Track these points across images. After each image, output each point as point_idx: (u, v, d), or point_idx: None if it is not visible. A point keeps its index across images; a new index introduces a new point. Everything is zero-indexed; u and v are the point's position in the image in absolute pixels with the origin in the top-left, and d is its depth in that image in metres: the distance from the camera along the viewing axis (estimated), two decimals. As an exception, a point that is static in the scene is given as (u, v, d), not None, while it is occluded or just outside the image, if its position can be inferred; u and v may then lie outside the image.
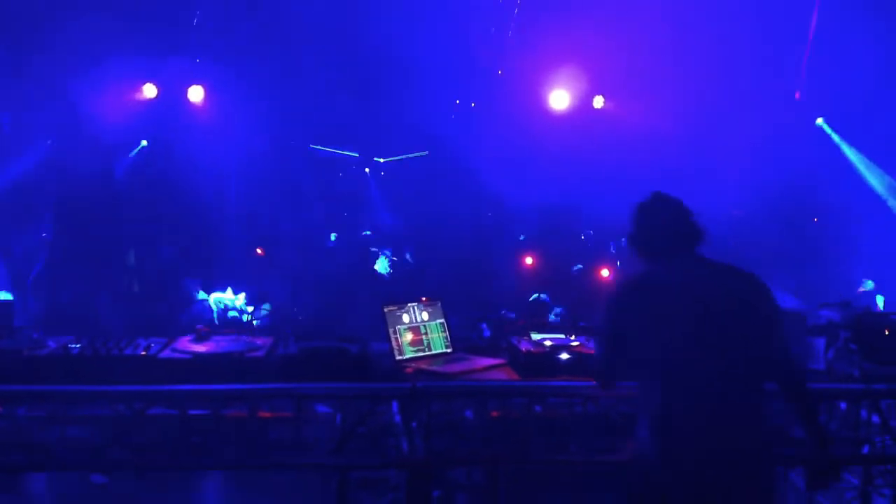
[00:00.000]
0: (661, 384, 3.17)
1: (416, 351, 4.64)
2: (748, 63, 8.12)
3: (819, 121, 9.12)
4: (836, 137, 9.10)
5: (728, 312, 3.21)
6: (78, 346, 4.18)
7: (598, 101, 8.95)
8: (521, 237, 9.60)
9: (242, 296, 7.84)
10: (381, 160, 11.08)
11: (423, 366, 4.48)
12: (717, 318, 3.19)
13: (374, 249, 8.97)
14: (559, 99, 8.80)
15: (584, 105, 8.89)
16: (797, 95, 8.46)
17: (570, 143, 8.77)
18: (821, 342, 4.55)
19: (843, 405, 4.35)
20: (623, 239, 8.11)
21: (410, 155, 10.08)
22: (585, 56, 8.31)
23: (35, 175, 7.96)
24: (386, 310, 4.64)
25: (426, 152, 9.73)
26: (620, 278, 3.35)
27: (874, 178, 9.07)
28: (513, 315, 7.28)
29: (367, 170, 12.74)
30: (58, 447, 3.88)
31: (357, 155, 12.50)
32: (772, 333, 3.25)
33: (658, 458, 3.13)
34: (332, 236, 10.28)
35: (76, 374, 3.95)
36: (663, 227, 3.39)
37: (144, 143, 9.18)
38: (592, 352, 4.40)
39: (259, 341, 4.46)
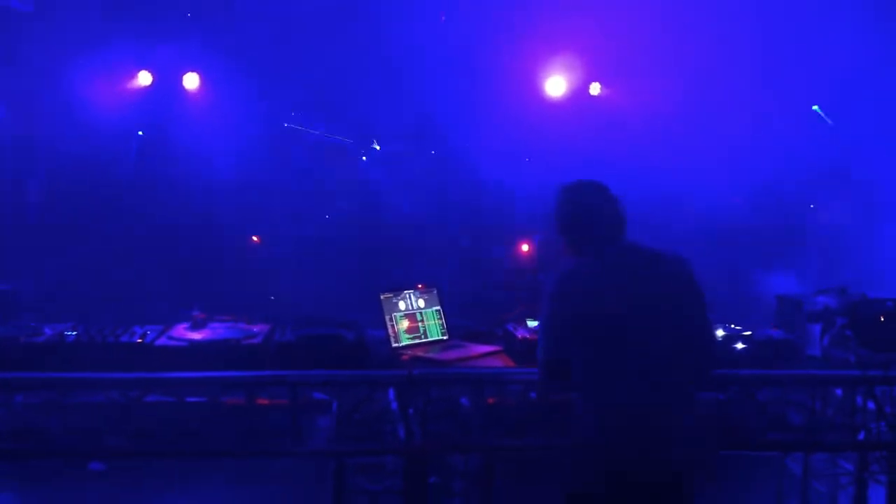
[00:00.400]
0: (599, 373, 3.17)
1: (412, 338, 4.65)
2: (749, 49, 8.10)
3: (815, 107, 9.12)
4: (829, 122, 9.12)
5: (660, 298, 3.21)
6: (74, 333, 4.18)
7: (595, 88, 8.92)
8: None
9: None
10: (378, 147, 11.06)
11: (420, 353, 4.49)
12: (650, 305, 3.19)
13: None
14: (556, 85, 8.77)
15: (580, 92, 8.87)
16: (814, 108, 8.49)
17: (567, 131, 8.75)
18: (817, 328, 4.56)
19: (838, 391, 4.36)
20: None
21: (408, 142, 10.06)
22: (582, 42, 8.29)
23: (28, 163, 7.94)
24: (382, 297, 4.64)
25: (425, 140, 9.71)
26: (555, 269, 3.30)
27: None
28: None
29: (363, 157, 12.72)
30: (55, 434, 3.88)
31: (352, 141, 12.50)
32: (695, 316, 3.27)
33: (600, 443, 3.16)
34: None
35: (72, 361, 3.96)
36: (594, 216, 3.36)
37: (140, 132, 9.14)
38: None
39: (255, 328, 4.47)
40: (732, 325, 4.56)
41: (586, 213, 3.37)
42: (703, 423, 3.33)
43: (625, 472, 3.12)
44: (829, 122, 8.88)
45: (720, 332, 4.45)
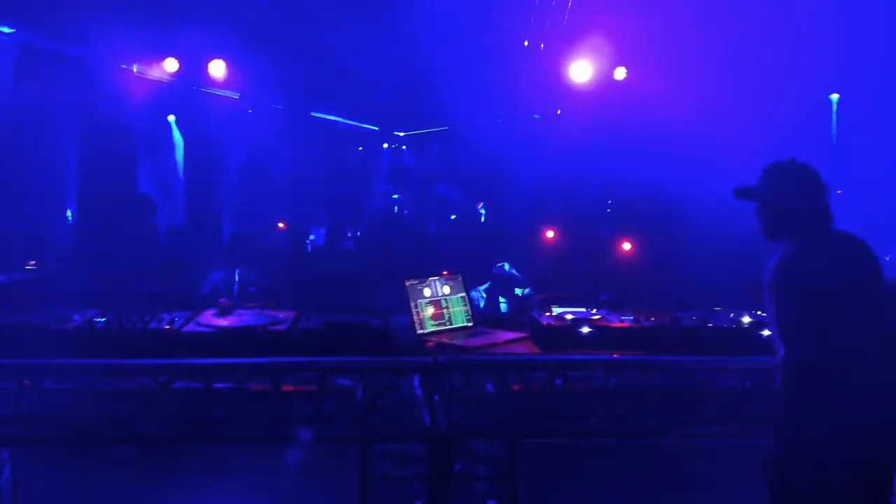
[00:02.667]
0: (825, 362, 3.18)
1: (437, 325, 4.66)
2: (776, 31, 7.99)
3: (834, 96, 8.99)
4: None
5: (869, 284, 3.30)
6: (103, 320, 4.23)
7: (620, 73, 8.84)
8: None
9: None
10: (402, 134, 11.06)
11: (445, 339, 4.49)
12: (864, 290, 3.27)
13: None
14: (581, 70, 8.70)
15: (605, 77, 8.79)
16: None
17: (592, 116, 8.70)
18: None
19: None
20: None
21: (431, 130, 10.06)
22: (608, 26, 8.22)
23: (58, 153, 8.00)
24: (407, 283, 4.65)
25: (446, 127, 9.70)
26: (776, 260, 3.29)
27: None
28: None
29: (385, 145, 12.72)
30: (83, 420, 3.93)
31: (377, 128, 12.49)
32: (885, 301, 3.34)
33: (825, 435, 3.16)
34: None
35: (101, 347, 4.01)
36: (809, 203, 3.39)
37: (172, 117, 9.18)
38: (615, 325, 4.40)
39: (281, 315, 4.50)
40: (759, 312, 4.52)
41: (804, 199, 3.40)
42: None
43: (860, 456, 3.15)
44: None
45: (746, 319, 4.42)
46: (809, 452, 3.20)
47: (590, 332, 4.32)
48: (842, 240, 3.40)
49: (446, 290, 4.76)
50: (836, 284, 3.23)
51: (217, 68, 8.45)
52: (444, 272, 4.83)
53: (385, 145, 13.09)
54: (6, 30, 7.17)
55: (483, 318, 4.96)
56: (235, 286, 6.50)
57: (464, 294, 4.83)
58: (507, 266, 7.15)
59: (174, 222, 8.46)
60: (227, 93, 8.65)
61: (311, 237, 8.96)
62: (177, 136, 8.95)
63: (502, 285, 7.00)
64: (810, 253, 3.33)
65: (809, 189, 3.41)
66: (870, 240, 3.42)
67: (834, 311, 3.20)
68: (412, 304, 4.60)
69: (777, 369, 3.29)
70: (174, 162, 9.01)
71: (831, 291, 3.22)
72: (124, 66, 8.02)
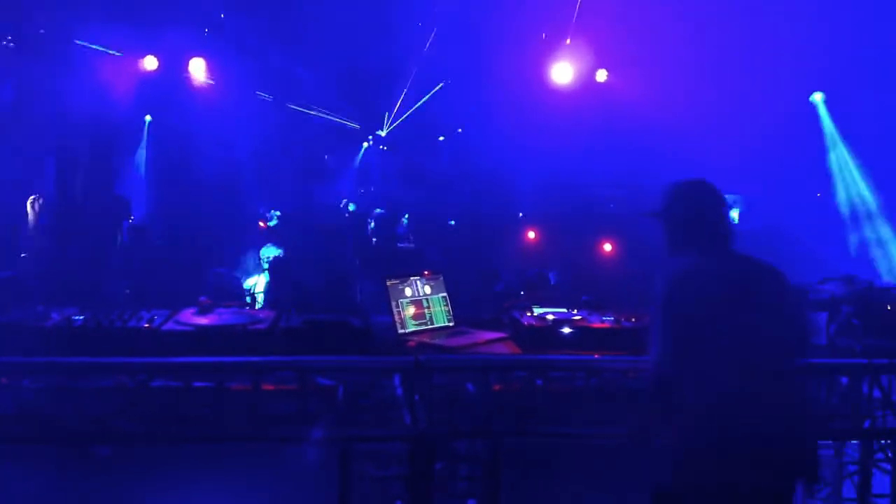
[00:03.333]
0: (707, 378, 3.15)
1: (418, 324, 4.65)
2: (759, 37, 8.05)
3: (818, 97, 9.06)
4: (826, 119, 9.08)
5: (762, 305, 3.24)
6: (81, 318, 4.19)
7: (602, 75, 8.87)
8: (520, 214, 9.57)
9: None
10: (384, 133, 11.04)
11: (426, 339, 4.49)
12: (755, 311, 3.21)
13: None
14: (562, 72, 8.72)
15: (587, 79, 8.82)
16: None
17: (573, 118, 8.72)
18: (823, 316, 4.56)
19: (844, 380, 4.35)
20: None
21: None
22: (589, 28, 8.25)
23: (37, 148, 7.93)
24: (388, 283, 4.64)
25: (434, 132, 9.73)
26: (661, 273, 3.28)
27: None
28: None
29: (366, 142, 12.67)
30: (61, 419, 3.89)
31: (358, 126, 12.46)
32: (796, 322, 3.33)
33: (699, 448, 3.13)
34: (351, 206, 10.24)
35: (80, 345, 3.97)
36: (705, 219, 3.38)
37: (149, 117, 9.12)
38: (596, 325, 4.42)
39: (261, 314, 4.48)
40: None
41: (701, 215, 3.38)
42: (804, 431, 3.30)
43: (730, 477, 3.10)
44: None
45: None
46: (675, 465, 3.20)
47: (571, 332, 4.33)
48: (736, 261, 3.35)
49: (427, 289, 4.76)
50: (713, 305, 3.19)
51: (197, 66, 8.40)
52: (426, 272, 4.83)
53: (365, 144, 13.07)
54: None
55: (463, 318, 4.95)
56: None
57: (445, 294, 4.83)
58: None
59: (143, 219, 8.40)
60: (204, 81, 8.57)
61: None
62: (147, 134, 8.92)
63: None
64: (695, 271, 3.30)
65: (705, 206, 3.40)
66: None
67: (705, 331, 3.16)
68: (393, 304, 4.60)
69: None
70: (146, 159, 8.97)
71: (705, 311, 3.18)
72: (104, 60, 7.95)
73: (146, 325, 4.13)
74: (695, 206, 3.41)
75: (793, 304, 3.34)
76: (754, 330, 3.19)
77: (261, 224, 9.26)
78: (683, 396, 3.18)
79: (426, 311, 4.71)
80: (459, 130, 9.63)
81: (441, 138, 10.55)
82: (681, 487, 3.17)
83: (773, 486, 3.15)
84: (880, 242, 8.86)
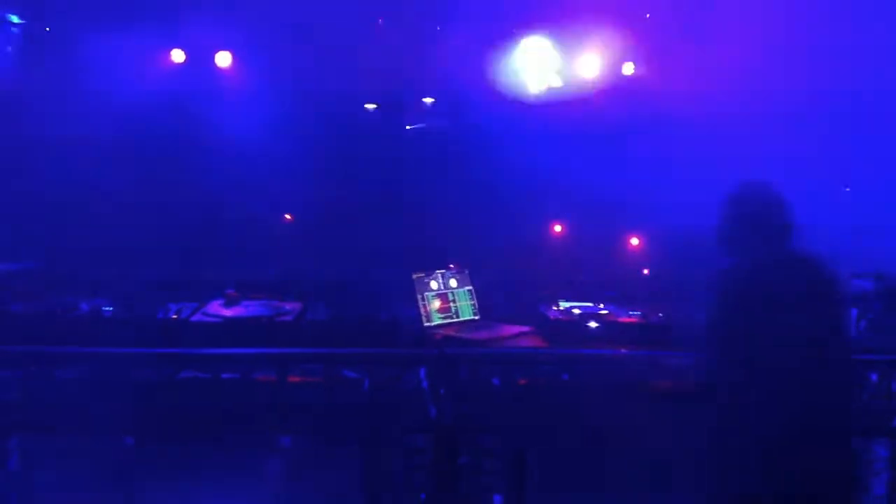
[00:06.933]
0: (765, 382, 3.14)
1: (443, 318, 4.66)
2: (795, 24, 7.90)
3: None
4: None
5: (816, 305, 3.22)
6: (111, 308, 4.23)
7: (628, 68, 8.78)
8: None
9: None
10: (408, 127, 11.04)
11: (451, 332, 4.49)
12: (809, 311, 3.19)
13: None
14: (589, 65, 8.63)
15: (614, 72, 8.73)
16: None
17: (600, 112, 8.66)
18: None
19: (874, 376, 4.31)
20: None
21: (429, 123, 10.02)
22: (618, 19, 8.17)
23: (60, 142, 7.99)
24: (414, 276, 4.65)
25: (447, 123, 9.67)
26: (715, 274, 3.29)
27: None
28: None
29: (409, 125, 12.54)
30: (90, 408, 3.93)
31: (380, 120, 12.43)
32: (842, 321, 3.30)
33: (760, 456, 3.11)
34: None
35: (108, 336, 4.01)
36: (757, 219, 3.37)
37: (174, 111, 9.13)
38: (623, 320, 4.40)
39: (288, 306, 4.50)
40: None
41: (758, 214, 3.38)
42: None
43: (786, 481, 3.10)
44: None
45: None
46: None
47: (597, 326, 4.32)
48: (793, 260, 3.33)
49: (453, 283, 4.76)
50: (768, 303, 3.18)
51: (223, 59, 8.42)
52: (451, 265, 4.83)
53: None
54: (15, 19, 7.17)
55: (489, 311, 4.95)
56: None
57: (470, 287, 4.83)
58: None
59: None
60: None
61: None
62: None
63: None
64: (751, 270, 3.30)
65: (761, 205, 3.39)
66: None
67: (760, 330, 3.15)
68: (419, 297, 4.60)
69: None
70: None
71: (760, 310, 3.17)
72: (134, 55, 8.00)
73: (174, 317, 4.16)
74: (751, 207, 3.40)
75: (844, 303, 3.33)
76: (807, 328, 3.16)
77: (287, 217, 9.28)
78: (742, 396, 3.16)
79: (452, 304, 4.71)
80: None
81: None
82: (748, 488, 3.15)
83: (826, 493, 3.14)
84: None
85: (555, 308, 4.60)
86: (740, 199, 3.45)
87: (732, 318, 3.21)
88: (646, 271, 6.83)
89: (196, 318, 4.22)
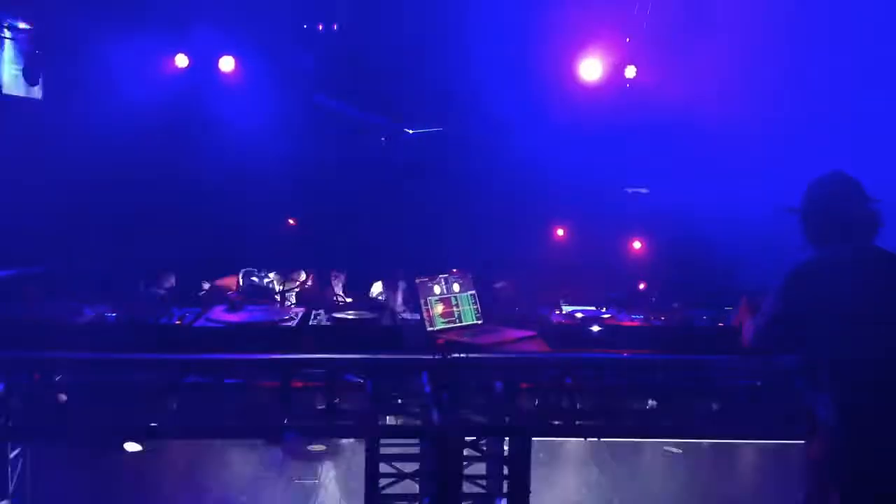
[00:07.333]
0: (840, 370, 3.13)
1: (446, 322, 4.65)
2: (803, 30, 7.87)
3: None
4: None
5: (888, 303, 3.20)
6: (114, 314, 4.24)
7: (630, 71, 8.77)
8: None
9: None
10: (411, 131, 11.04)
11: (454, 337, 4.49)
12: (886, 305, 3.18)
13: None
14: (591, 68, 8.63)
15: (616, 75, 8.73)
16: None
17: (602, 115, 8.65)
18: None
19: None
20: None
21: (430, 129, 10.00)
22: (619, 21, 8.16)
23: (63, 146, 8.01)
24: (417, 281, 4.65)
25: (440, 128, 9.66)
26: (797, 262, 3.30)
27: None
28: None
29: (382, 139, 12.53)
30: (93, 414, 3.94)
31: (383, 125, 12.40)
32: None
33: (844, 435, 3.10)
34: None
35: (112, 342, 4.01)
36: (843, 212, 3.35)
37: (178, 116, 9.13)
38: (625, 324, 4.41)
39: (291, 311, 4.50)
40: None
41: (836, 207, 3.36)
42: None
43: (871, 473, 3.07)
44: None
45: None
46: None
47: (600, 330, 4.32)
48: (872, 253, 3.32)
49: (456, 287, 4.76)
50: (842, 295, 3.17)
51: (226, 63, 8.43)
52: (454, 270, 4.83)
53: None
54: (24, 25, 7.20)
55: (492, 315, 4.95)
56: None
57: (473, 292, 4.83)
58: None
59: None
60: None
61: None
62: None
63: None
64: (826, 262, 3.30)
65: (840, 198, 3.37)
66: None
67: (835, 322, 3.15)
68: (422, 302, 4.60)
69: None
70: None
71: (831, 301, 3.17)
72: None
73: (177, 322, 4.17)
74: (830, 199, 3.39)
75: None
76: (885, 322, 3.15)
77: (290, 221, 9.29)
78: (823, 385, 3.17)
79: (455, 308, 4.71)
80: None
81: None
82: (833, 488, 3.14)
83: None
84: None
85: (557, 312, 4.61)
86: (823, 191, 3.42)
87: (791, 302, 3.24)
88: (642, 286, 6.82)
89: (199, 323, 4.23)
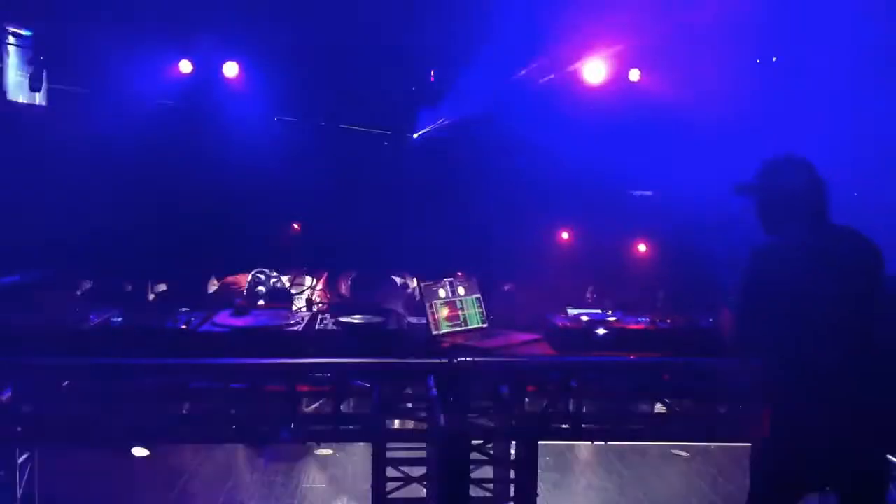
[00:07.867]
0: (799, 353, 3.14)
1: (452, 326, 4.65)
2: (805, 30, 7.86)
3: None
4: None
5: (855, 280, 3.20)
6: (120, 319, 4.24)
7: (634, 75, 8.76)
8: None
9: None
10: (416, 135, 11.04)
11: (460, 341, 4.48)
12: (847, 285, 3.17)
13: None
14: (594, 71, 8.62)
15: (620, 78, 8.72)
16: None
17: (606, 118, 8.64)
18: None
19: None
20: None
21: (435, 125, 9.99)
22: (623, 23, 8.15)
23: (68, 153, 8.03)
24: (423, 285, 4.65)
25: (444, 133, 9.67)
26: (755, 247, 3.30)
27: None
28: None
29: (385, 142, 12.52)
30: (100, 420, 3.94)
31: (389, 132, 12.40)
32: (877, 297, 3.25)
33: (798, 425, 3.13)
34: None
35: (118, 347, 4.02)
36: (796, 193, 3.34)
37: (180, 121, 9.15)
38: (631, 327, 4.40)
39: (297, 316, 4.50)
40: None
41: (794, 190, 3.36)
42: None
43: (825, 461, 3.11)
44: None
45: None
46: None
47: (605, 333, 4.31)
48: (830, 235, 3.31)
49: (461, 291, 4.76)
50: (798, 278, 3.18)
51: (230, 69, 8.44)
52: (459, 273, 4.83)
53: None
54: (25, 32, 7.22)
55: (498, 319, 4.95)
56: None
57: (478, 295, 4.82)
58: None
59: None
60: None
61: None
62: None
63: None
64: (784, 245, 3.30)
65: (797, 181, 3.36)
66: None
67: (792, 304, 3.15)
68: (427, 305, 4.59)
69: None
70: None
71: (790, 284, 3.17)
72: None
73: (183, 327, 4.17)
74: (787, 182, 3.38)
75: (883, 280, 3.27)
76: (841, 303, 3.15)
77: (294, 226, 9.29)
78: (773, 370, 3.22)
79: (460, 312, 4.71)
80: None
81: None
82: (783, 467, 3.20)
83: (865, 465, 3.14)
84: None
85: (562, 315, 4.60)
86: (776, 174, 3.42)
87: (758, 288, 3.22)
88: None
89: (205, 328, 4.23)
